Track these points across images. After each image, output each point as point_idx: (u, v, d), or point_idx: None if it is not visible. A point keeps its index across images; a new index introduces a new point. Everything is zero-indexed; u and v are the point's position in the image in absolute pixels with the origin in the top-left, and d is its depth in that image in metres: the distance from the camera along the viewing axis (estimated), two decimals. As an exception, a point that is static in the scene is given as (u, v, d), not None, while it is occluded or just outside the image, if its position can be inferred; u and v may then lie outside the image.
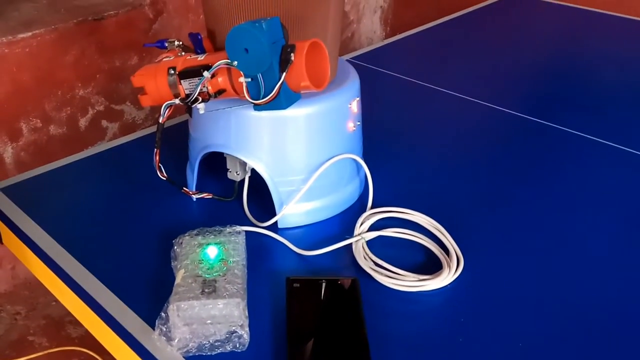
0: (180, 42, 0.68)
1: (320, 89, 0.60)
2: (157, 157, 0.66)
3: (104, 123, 1.48)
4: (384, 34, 2.28)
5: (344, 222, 0.73)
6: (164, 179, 0.68)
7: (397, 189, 0.80)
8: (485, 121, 1.01)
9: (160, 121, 0.64)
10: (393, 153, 0.89)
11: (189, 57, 0.64)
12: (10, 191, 0.80)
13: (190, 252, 0.61)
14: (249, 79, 0.58)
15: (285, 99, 0.59)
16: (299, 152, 0.70)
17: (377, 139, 0.89)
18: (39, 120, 1.33)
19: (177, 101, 0.62)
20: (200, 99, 0.61)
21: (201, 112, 0.62)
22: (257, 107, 0.60)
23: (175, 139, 0.84)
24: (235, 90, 0.61)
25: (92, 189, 0.81)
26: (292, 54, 0.57)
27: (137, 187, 0.80)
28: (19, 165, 1.33)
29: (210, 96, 0.61)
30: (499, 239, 0.72)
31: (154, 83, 0.65)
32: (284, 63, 0.57)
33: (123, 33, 1.41)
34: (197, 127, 0.74)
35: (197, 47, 0.66)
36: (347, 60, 1.19)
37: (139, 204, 0.77)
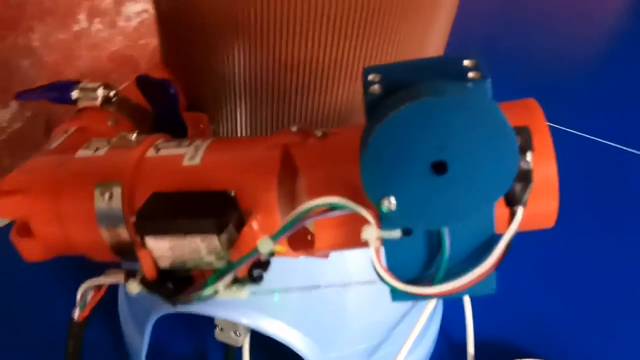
0: (112, 92, 0.30)
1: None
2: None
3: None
4: None
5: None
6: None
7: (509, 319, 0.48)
8: None
9: (75, 317, 0.26)
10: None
11: (164, 153, 0.25)
12: None
13: None
14: (398, 235, 0.20)
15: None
16: (366, 308, 0.35)
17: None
18: None
19: (125, 282, 0.24)
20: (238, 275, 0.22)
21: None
22: (401, 297, 0.21)
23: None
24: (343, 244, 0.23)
25: None
26: (530, 154, 0.20)
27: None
28: None
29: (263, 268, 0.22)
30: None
31: (54, 212, 0.25)
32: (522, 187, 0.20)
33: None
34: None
35: (161, 111, 0.28)
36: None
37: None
